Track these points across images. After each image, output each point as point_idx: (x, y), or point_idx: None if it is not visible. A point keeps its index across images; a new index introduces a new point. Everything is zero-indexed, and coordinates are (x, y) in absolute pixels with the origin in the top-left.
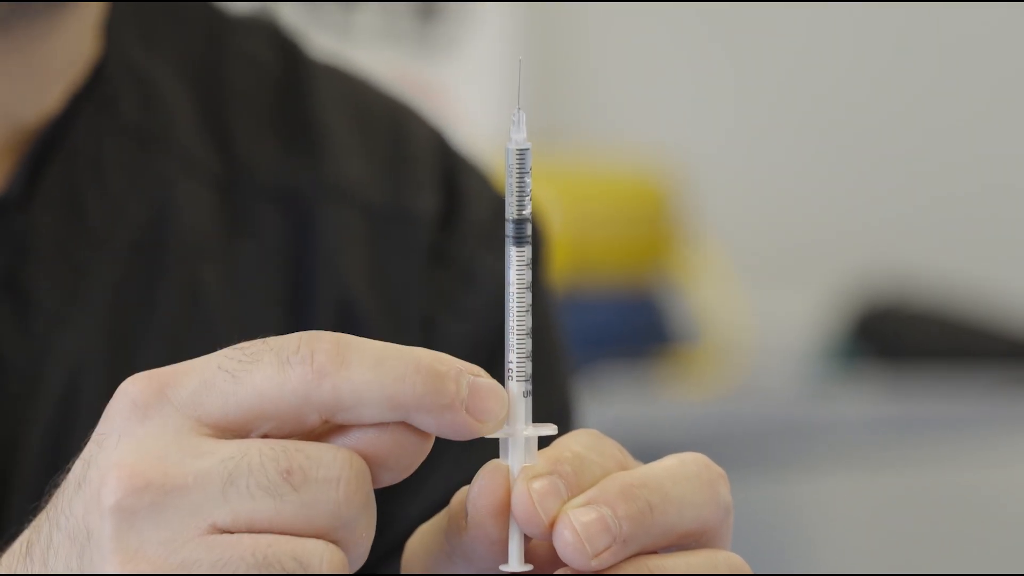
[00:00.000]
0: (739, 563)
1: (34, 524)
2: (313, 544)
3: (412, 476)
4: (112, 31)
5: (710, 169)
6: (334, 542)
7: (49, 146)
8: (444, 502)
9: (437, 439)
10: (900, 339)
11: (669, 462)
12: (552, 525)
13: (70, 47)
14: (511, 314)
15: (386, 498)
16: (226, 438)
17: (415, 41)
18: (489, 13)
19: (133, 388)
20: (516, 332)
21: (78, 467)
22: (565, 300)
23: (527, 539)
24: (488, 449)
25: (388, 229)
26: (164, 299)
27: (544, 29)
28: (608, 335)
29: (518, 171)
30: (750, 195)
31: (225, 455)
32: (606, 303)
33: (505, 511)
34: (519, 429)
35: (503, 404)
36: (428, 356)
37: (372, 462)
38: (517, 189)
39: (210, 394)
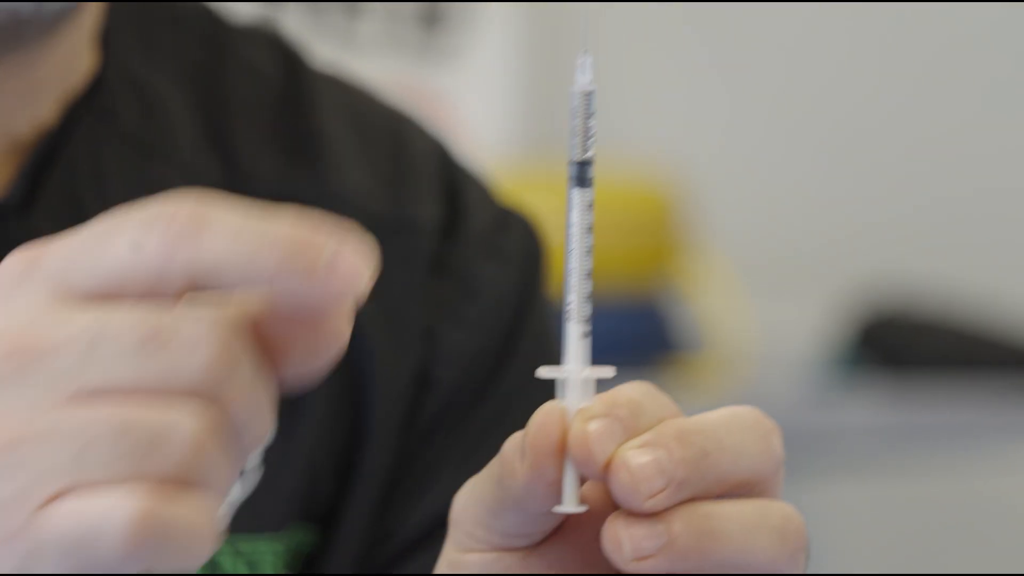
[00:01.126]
0: (791, 513)
1: None
2: (179, 409)
3: (411, 489)
4: (110, 40)
5: (714, 178)
6: (209, 404)
7: (48, 154)
8: (443, 515)
9: (436, 449)
10: (904, 347)
11: (723, 412)
12: (607, 466)
13: (66, 60)
14: (572, 255)
15: (385, 511)
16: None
17: (419, 50)
18: (493, 22)
19: (12, 262)
20: (577, 273)
21: None
22: None
23: (582, 480)
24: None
25: (389, 239)
26: None
27: (548, 37)
28: (612, 344)
29: (583, 114)
30: (754, 204)
31: (88, 321)
32: (610, 312)
33: (561, 451)
34: (577, 369)
35: (364, 274)
36: (289, 225)
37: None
38: (582, 131)
39: (77, 263)
